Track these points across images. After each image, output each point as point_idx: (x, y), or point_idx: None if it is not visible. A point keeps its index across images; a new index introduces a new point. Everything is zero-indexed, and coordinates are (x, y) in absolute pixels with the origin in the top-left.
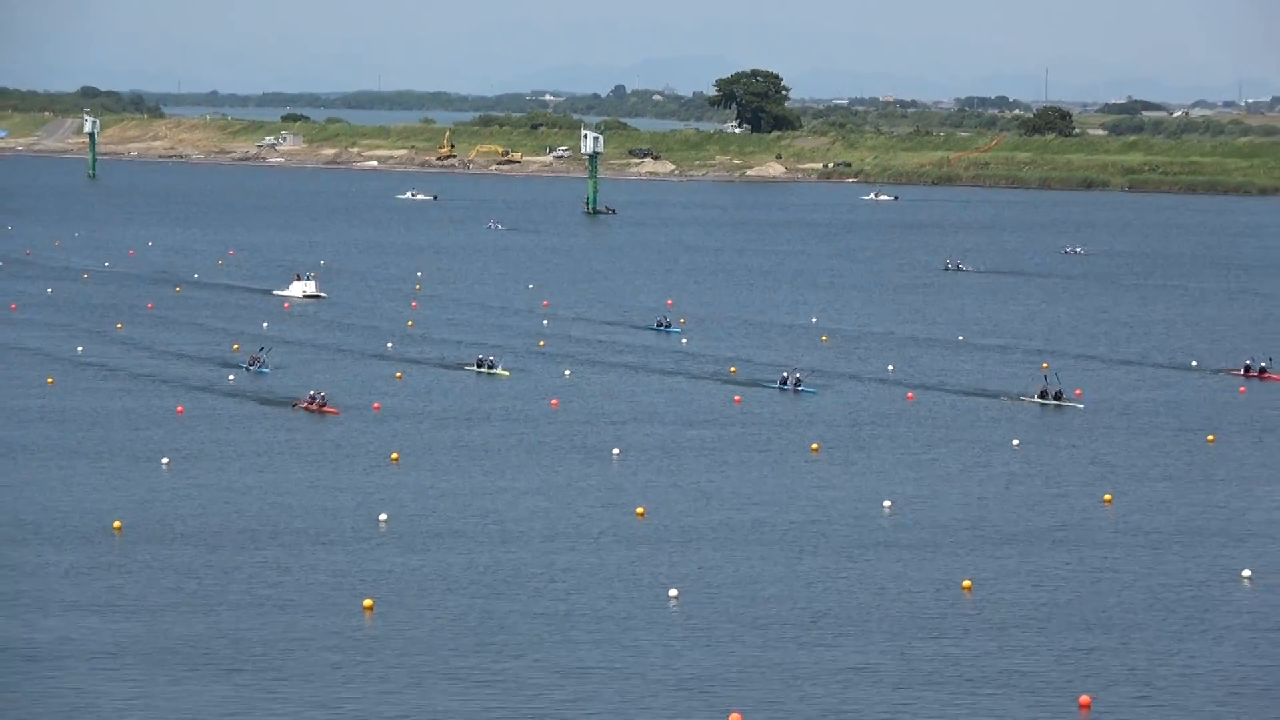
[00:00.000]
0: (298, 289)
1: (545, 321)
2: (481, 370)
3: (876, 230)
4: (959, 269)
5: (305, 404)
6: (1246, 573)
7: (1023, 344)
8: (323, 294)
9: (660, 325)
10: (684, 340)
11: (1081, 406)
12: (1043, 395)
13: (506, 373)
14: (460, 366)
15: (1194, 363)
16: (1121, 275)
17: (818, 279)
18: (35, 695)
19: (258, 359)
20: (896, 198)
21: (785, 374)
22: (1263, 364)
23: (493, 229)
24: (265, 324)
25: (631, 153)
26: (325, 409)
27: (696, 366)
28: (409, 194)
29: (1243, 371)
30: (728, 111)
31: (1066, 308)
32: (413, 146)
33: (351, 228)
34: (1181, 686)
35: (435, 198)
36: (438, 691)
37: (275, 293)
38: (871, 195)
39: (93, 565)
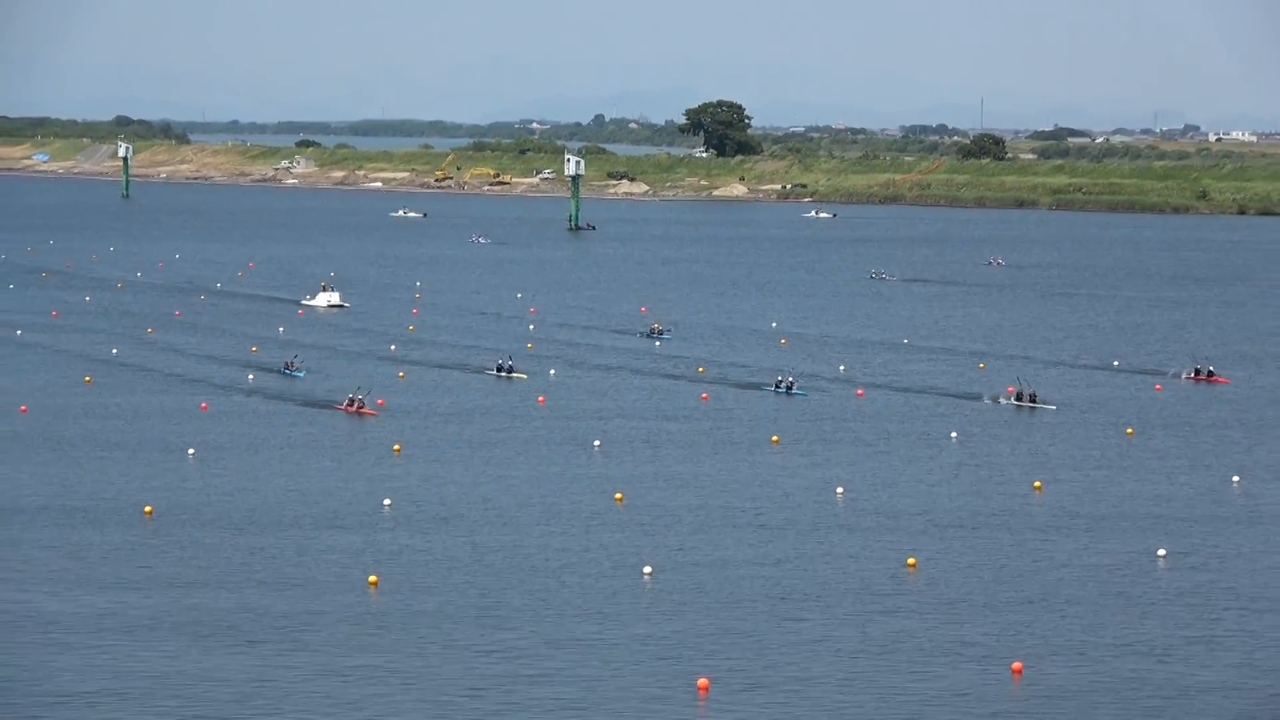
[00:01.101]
0: (323, 299)
1: (532, 326)
2: (501, 374)
3: (816, 245)
4: (881, 278)
5: (344, 406)
6: (1162, 552)
7: (963, 346)
8: (346, 304)
9: (653, 333)
10: (657, 344)
11: (1054, 408)
12: (1018, 398)
13: (525, 375)
14: (481, 370)
15: (1115, 363)
16: (1039, 284)
17: (774, 287)
18: (77, 664)
19: (292, 364)
20: (835, 215)
21: (780, 378)
22: (1210, 368)
23: (477, 242)
24: (281, 329)
25: (610, 175)
26: (364, 410)
27: (669, 367)
28: (401, 211)
29: (1192, 375)
30: (696, 138)
31: (994, 313)
32: (413, 169)
33: (353, 242)
34: (1106, 653)
35: (425, 215)
36: (438, 659)
37: (304, 302)
38: (812, 213)
39: (127, 546)
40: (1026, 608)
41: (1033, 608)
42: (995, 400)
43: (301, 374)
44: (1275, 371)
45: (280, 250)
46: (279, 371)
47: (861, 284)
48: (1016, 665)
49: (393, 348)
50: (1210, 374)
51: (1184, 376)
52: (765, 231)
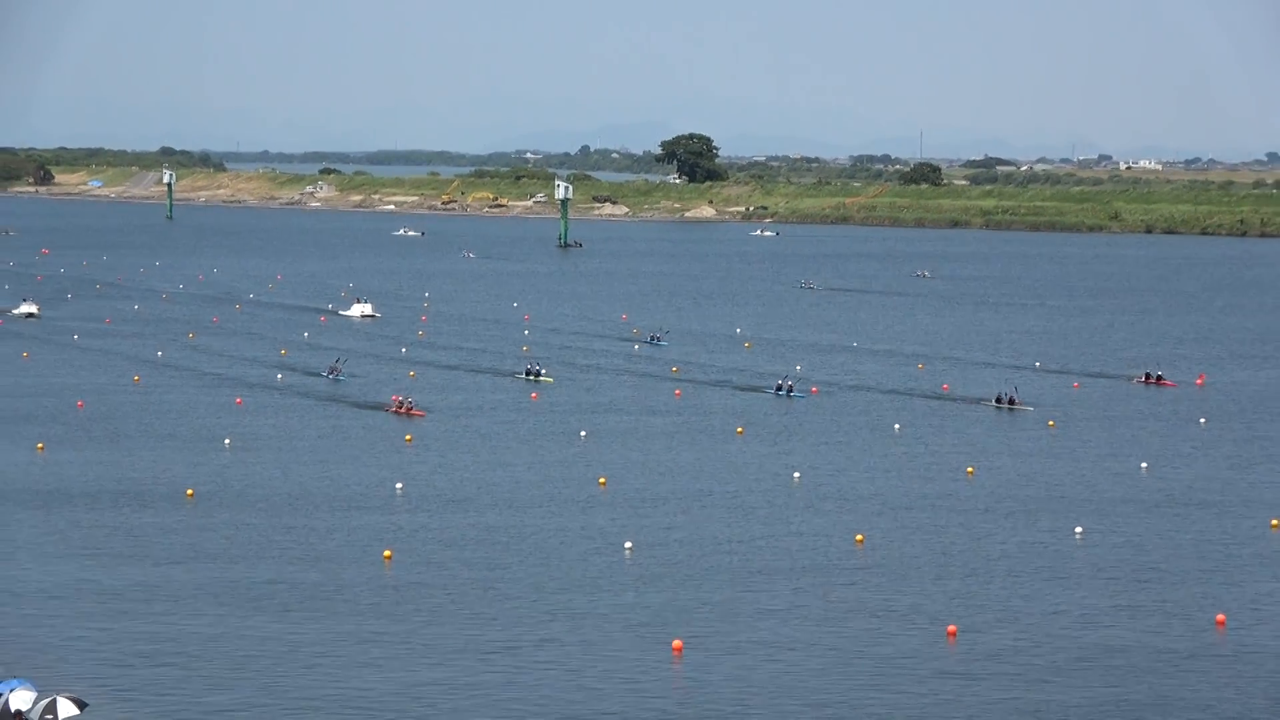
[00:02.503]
0: (357, 310)
1: (526, 332)
2: (530, 378)
3: (761, 259)
4: (809, 287)
5: (394, 408)
6: (1079, 529)
7: (904, 349)
8: (377, 314)
9: (652, 339)
10: (636, 347)
11: (1032, 409)
12: (998, 400)
13: (551, 379)
14: (512, 374)
15: (1037, 364)
16: (962, 294)
17: (733, 297)
18: (129, 630)
19: (336, 369)
20: (777, 233)
21: (780, 381)
22: (1159, 373)
23: (466, 257)
24: (306, 334)
25: (595, 198)
26: (412, 412)
27: (647, 367)
28: (402, 231)
29: (1142, 379)
30: (670, 166)
31: (925, 319)
32: (422, 194)
33: (364, 258)
34: (1031, 618)
35: (422, 234)
36: (446, 624)
37: (340, 313)
38: (758, 231)
39: (172, 525)
40: (960, 578)
41: (965, 578)
42: (976, 403)
43: (344, 378)
44: (1183, 371)
45: (305, 265)
46: (323, 375)
47: (794, 292)
48: (951, 628)
49: (403, 350)
50: (1159, 378)
51: (1135, 380)
52: (721, 248)
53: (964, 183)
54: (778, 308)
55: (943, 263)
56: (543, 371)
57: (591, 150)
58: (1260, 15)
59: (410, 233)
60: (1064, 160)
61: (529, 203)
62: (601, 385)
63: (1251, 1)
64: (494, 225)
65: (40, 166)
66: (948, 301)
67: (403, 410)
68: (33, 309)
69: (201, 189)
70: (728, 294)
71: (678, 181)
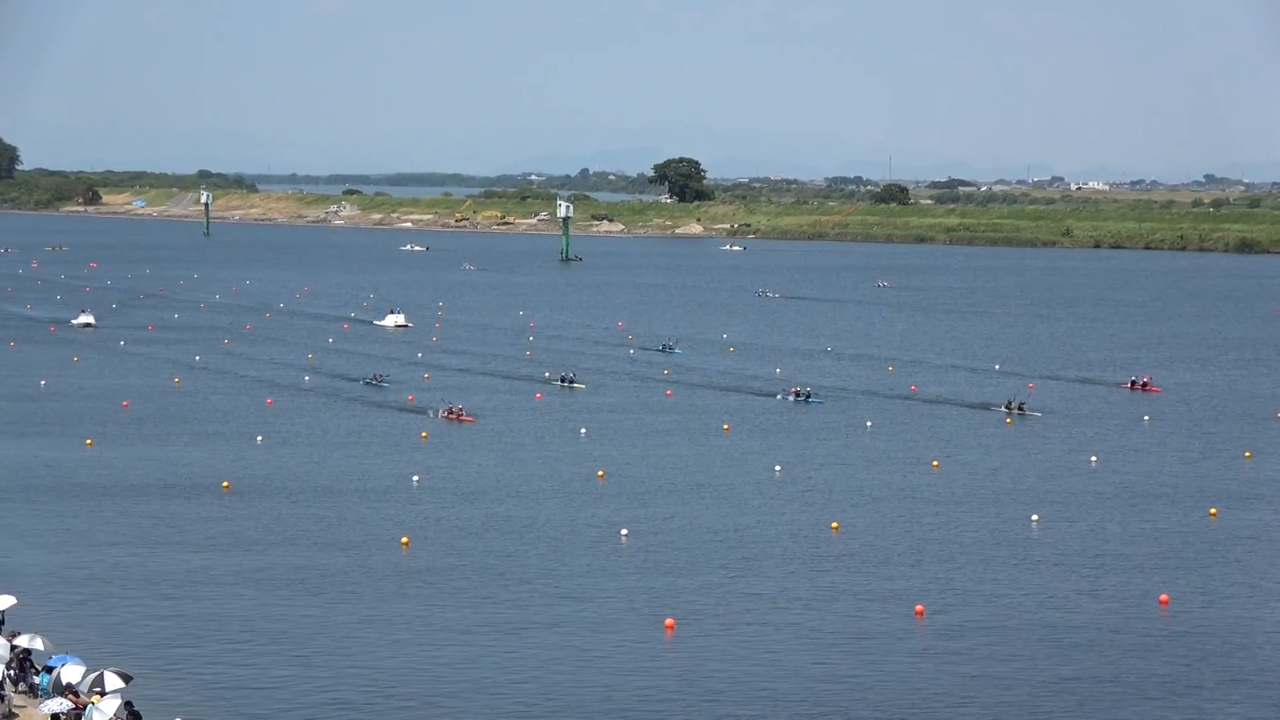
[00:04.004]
0: (390, 320)
1: (531, 338)
2: (564, 384)
3: (730, 271)
4: (767, 296)
5: (445, 414)
6: (1035, 517)
7: (872, 353)
8: (410, 324)
9: (665, 347)
10: (631, 351)
11: (1040, 415)
12: (1008, 406)
13: (583, 385)
14: (545, 380)
15: (997, 366)
16: (918, 303)
17: (713, 307)
18: (172, 612)
19: (380, 376)
20: (745, 248)
21: (796, 389)
22: (1144, 379)
23: (467, 269)
24: (330, 340)
25: (594, 216)
26: (463, 418)
27: (643, 370)
28: (408, 246)
29: (1128, 385)
30: (662, 187)
31: (887, 325)
32: (436, 212)
33: (381, 271)
34: (991, 598)
35: (427, 249)
36: (459, 606)
37: (375, 323)
38: (727, 246)
39: (209, 514)
40: (926, 561)
41: (931, 561)
42: (986, 408)
43: (388, 385)
44: (1130, 374)
45: (330, 277)
46: (366, 382)
47: (754, 299)
48: (919, 607)
49: (419, 355)
50: (1145, 384)
51: (1121, 385)
52: (700, 261)
53: (929, 202)
54: (745, 315)
55: (906, 274)
56: (575, 379)
57: (590, 173)
58: (1198, 53)
59: (416, 248)
60: (1020, 181)
61: (534, 221)
62: (599, 386)
63: (1190, 41)
64: (502, 241)
65: (89, 188)
66: (905, 310)
67: (453, 416)
68: (90, 319)
69: (235, 208)
70: (703, 303)
71: (669, 201)
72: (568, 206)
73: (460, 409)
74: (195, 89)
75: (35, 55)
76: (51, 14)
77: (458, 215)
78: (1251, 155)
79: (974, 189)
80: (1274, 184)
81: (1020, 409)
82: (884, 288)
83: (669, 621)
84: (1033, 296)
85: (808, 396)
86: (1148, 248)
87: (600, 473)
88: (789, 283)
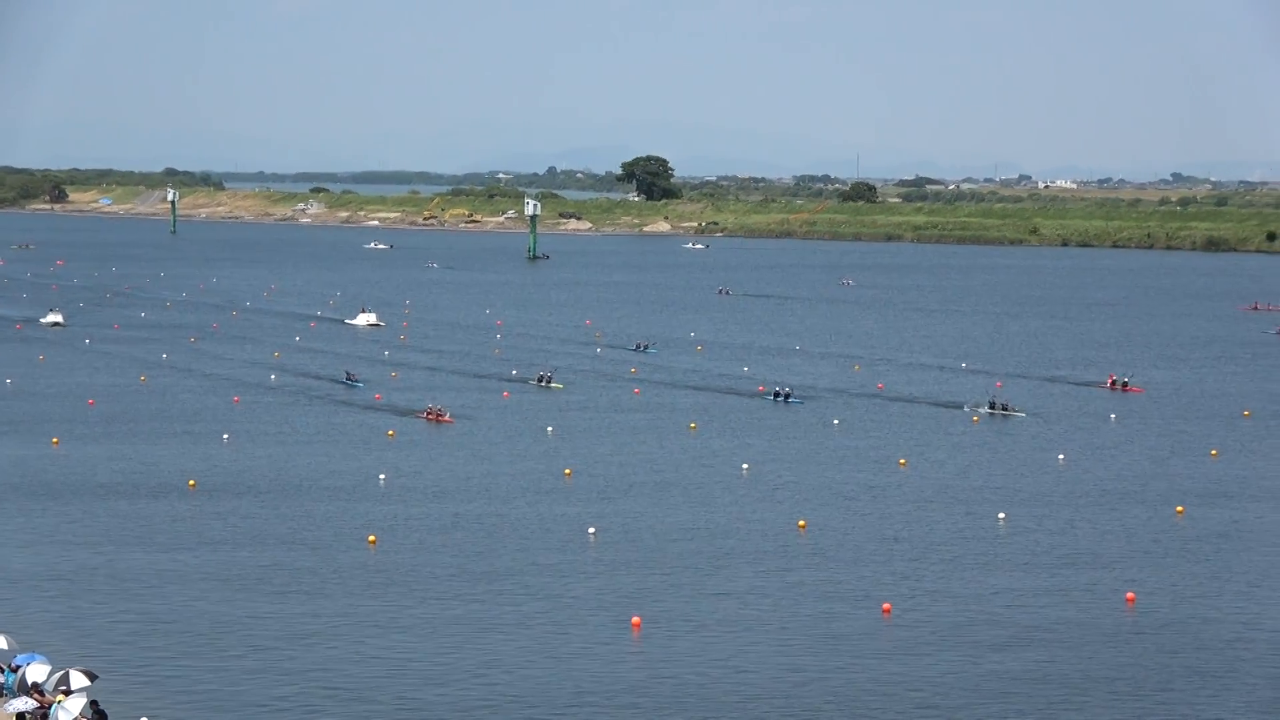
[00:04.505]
0: (363, 319)
1: (499, 335)
2: (542, 384)
3: (694, 270)
4: (726, 294)
5: (426, 414)
6: (1002, 515)
7: (842, 351)
8: (382, 323)
9: (640, 347)
10: (598, 350)
11: (1024, 415)
12: (991, 406)
13: (561, 385)
14: (524, 380)
15: (964, 365)
16: (881, 300)
17: (677, 305)
18: (138, 611)
19: (353, 375)
20: (707, 246)
21: (778, 389)
22: (1125, 379)
23: (430, 267)
24: (297, 338)
25: (561, 215)
26: (442, 419)
27: (608, 368)
28: (371, 244)
29: (1108, 385)
30: (630, 185)
31: (858, 324)
32: (403, 210)
33: (345, 270)
34: (957, 596)
35: (391, 247)
36: (426, 604)
37: (346, 322)
38: (690, 244)
39: (175, 513)
40: (893, 560)
41: (898, 560)
42: (974, 408)
43: (361, 385)
44: (1097, 372)
45: (296, 275)
46: (341, 381)
47: (716, 299)
48: (886, 606)
49: (386, 353)
50: (1125, 384)
51: (1101, 385)
52: (665, 259)
53: (897, 200)
54: (710, 314)
55: (872, 273)
56: (553, 379)
57: (558, 171)
58: (1166, 53)
59: (380, 246)
60: (988, 180)
61: (501, 219)
62: (566, 384)
63: (1158, 40)
64: (469, 239)
65: (56, 186)
66: (871, 308)
67: (432, 417)
68: (59, 318)
69: (202, 206)
70: (670, 302)
71: (636, 199)
72: (535, 205)
73: (440, 409)
74: (162, 87)
75: None
76: (15, 12)
77: (425, 213)
78: (1218, 154)
79: (942, 187)
80: (1241, 182)
81: (1005, 409)
82: (848, 285)
83: (635, 619)
84: (1001, 294)
85: (787, 396)
86: (1115, 246)
87: (568, 471)
88: (753, 281)
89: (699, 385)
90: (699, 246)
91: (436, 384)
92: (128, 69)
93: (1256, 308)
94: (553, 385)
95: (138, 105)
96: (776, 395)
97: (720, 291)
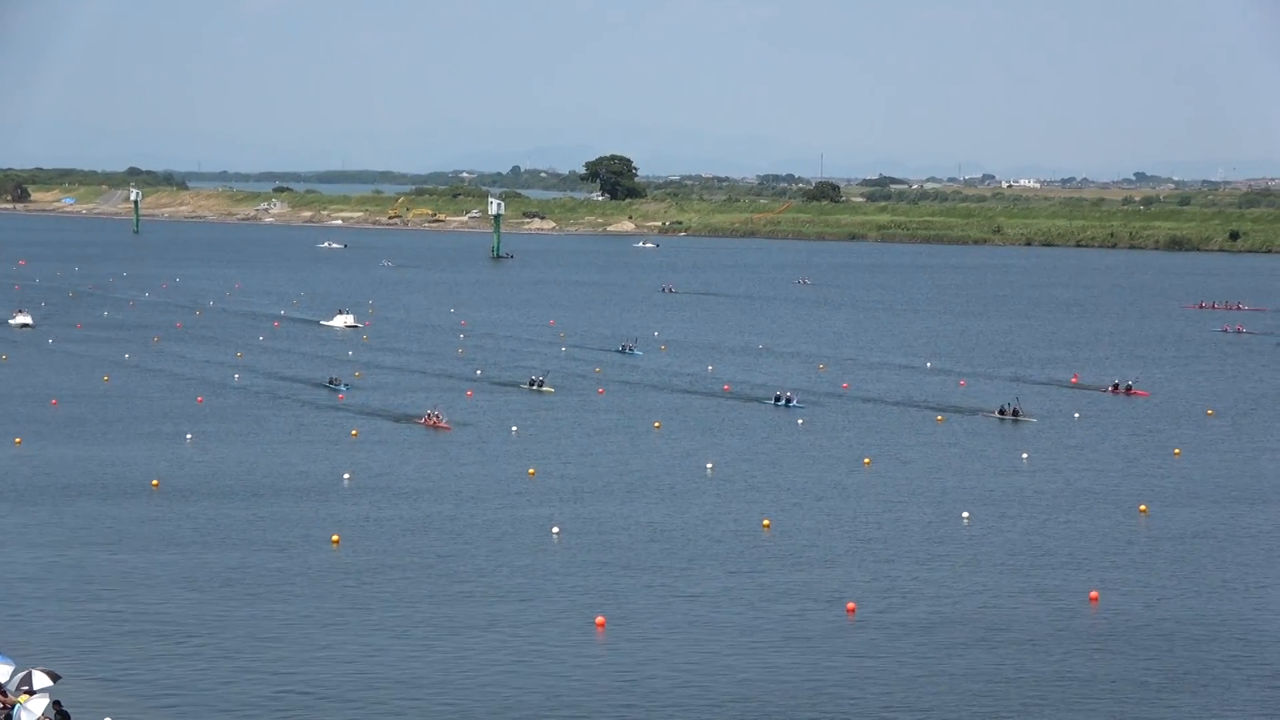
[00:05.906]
0: (340, 320)
1: (463, 335)
2: (533, 388)
3: (644, 269)
4: (671, 292)
5: (424, 420)
6: (965, 514)
7: (809, 350)
8: (359, 324)
9: (625, 348)
10: (563, 349)
11: (1035, 421)
12: (1001, 411)
13: (552, 389)
14: (515, 384)
15: (929, 364)
16: (839, 300)
17: (638, 304)
18: (102, 611)
19: (336, 380)
20: (658, 245)
21: (779, 393)
22: (1129, 382)
23: (385, 265)
24: (261, 338)
25: (525, 214)
26: (439, 425)
27: (572, 367)
28: (326, 244)
29: (1110, 389)
30: (594, 184)
31: (824, 324)
32: (367, 210)
33: (302, 269)
34: (923, 593)
35: (345, 246)
36: (390, 604)
37: (323, 323)
38: (640, 243)
39: (139, 513)
40: (857, 559)
41: (862, 559)
42: (988, 414)
43: (345, 389)
44: (1061, 371)
45: (261, 274)
46: (325, 386)
47: (658, 296)
48: (850, 605)
49: (350, 352)
50: (1129, 388)
51: (1105, 389)
52: (622, 259)
53: (861, 200)
54: (664, 311)
55: (833, 272)
56: (545, 382)
57: (522, 170)
58: (1130, 52)
59: (334, 245)
60: (951, 179)
61: (465, 218)
62: (530, 384)
63: (1120, 40)
64: (433, 239)
65: (17, 185)
66: (830, 307)
67: (430, 423)
68: (28, 319)
69: (165, 206)
70: (636, 300)
71: (601, 199)
72: (499, 204)
73: (437, 414)
74: (125, 86)
75: None
76: None
77: (390, 213)
78: (1181, 154)
79: (905, 186)
80: (1203, 182)
81: (1015, 415)
82: (806, 285)
83: (600, 619)
84: (965, 294)
85: (788, 401)
86: (1079, 245)
87: (531, 470)
88: (700, 280)
89: (663, 385)
90: (649, 245)
91: (404, 385)
92: (90, 68)
93: (1201, 306)
94: (544, 389)
95: (100, 105)
96: (777, 400)
97: (665, 289)
